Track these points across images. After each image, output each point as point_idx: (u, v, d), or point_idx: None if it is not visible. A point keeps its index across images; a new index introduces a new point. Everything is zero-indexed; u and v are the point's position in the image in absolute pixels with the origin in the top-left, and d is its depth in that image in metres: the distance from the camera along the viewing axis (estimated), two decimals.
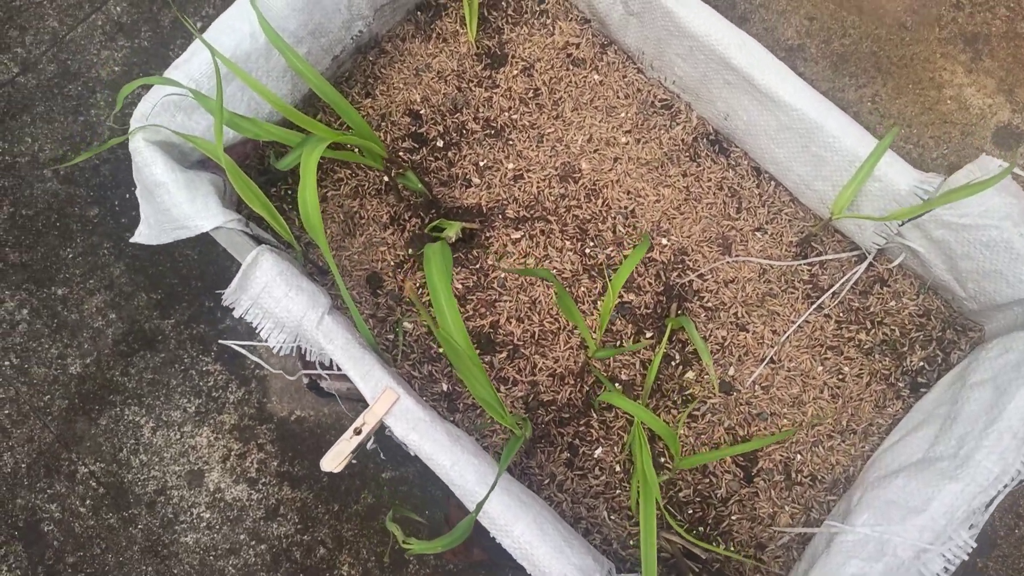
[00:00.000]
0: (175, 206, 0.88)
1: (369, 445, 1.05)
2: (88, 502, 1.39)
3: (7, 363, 1.46)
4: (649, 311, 1.04)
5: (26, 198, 1.54)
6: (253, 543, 1.36)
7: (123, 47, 1.61)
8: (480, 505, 0.75)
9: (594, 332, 0.96)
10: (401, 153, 1.11)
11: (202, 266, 1.47)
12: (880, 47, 1.56)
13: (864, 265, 1.01)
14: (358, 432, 0.86)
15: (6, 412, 1.44)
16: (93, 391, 1.44)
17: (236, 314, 0.92)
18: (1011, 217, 0.83)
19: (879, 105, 1.53)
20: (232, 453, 1.40)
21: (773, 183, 1.08)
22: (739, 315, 1.04)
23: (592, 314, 1.04)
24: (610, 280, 1.04)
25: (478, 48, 1.15)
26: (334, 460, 0.85)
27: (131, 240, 1.01)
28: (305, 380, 1.15)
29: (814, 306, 1.02)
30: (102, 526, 1.38)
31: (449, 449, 0.85)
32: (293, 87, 1.01)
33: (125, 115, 1.56)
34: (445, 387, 1.02)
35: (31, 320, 1.48)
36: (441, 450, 0.85)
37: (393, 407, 0.86)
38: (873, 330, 1.01)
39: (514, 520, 0.83)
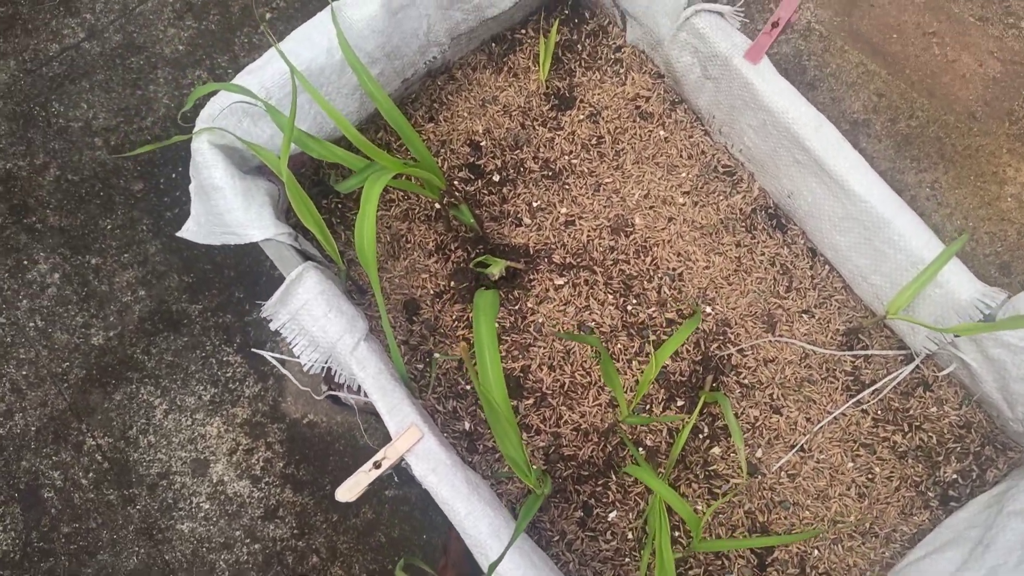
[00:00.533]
0: (229, 212, 0.87)
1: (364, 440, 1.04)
2: (91, 475, 1.39)
3: (32, 324, 1.46)
4: (684, 379, 1.03)
5: (74, 163, 1.55)
6: (248, 541, 1.35)
7: (190, 27, 1.62)
8: (493, 567, 0.73)
9: (629, 397, 0.94)
10: (456, 182, 1.10)
11: (237, 256, 1.46)
12: (947, 134, 1.54)
13: (911, 367, 0.99)
14: (377, 466, 0.85)
15: (24, 373, 1.44)
16: (112, 365, 1.44)
17: (273, 326, 0.91)
18: None
19: (937, 192, 1.51)
20: (240, 447, 1.40)
21: (828, 267, 1.06)
22: (775, 397, 1.02)
23: (626, 373, 1.02)
24: (652, 346, 1.02)
25: (547, 87, 1.14)
26: (351, 491, 0.84)
27: (178, 234, 1.00)
28: (325, 387, 1.14)
29: (853, 400, 1.00)
30: (101, 501, 1.37)
31: (466, 498, 0.84)
32: (360, 106, 1.00)
33: (181, 100, 1.56)
34: (467, 426, 1.01)
35: (61, 285, 1.48)
36: (458, 497, 0.83)
37: (416, 446, 0.85)
38: (910, 433, 0.99)
39: None
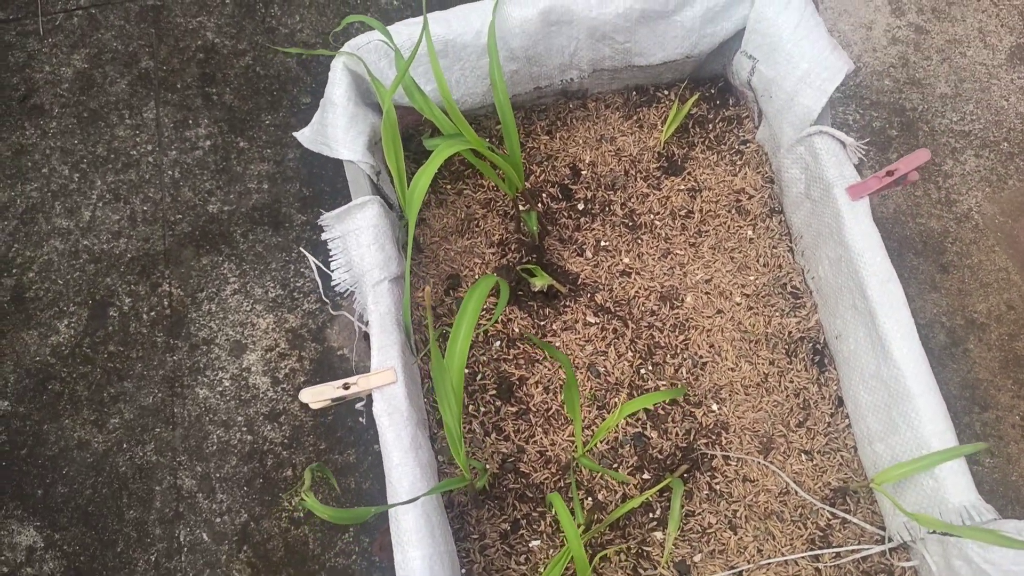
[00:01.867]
0: (333, 126, 0.98)
1: (359, 407, 1.11)
2: (152, 313, 1.55)
3: (170, 173, 1.65)
4: (661, 457, 1.03)
5: (266, 60, 1.74)
6: (244, 429, 1.46)
7: None
8: (387, 512, 0.78)
9: (586, 439, 0.96)
10: (544, 195, 1.16)
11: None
12: None
13: (878, 549, 0.95)
14: (346, 387, 0.92)
15: (144, 208, 1.62)
16: (213, 233, 1.59)
17: (323, 236, 1.01)
18: None
19: None
20: (277, 348, 1.51)
21: (846, 423, 1.04)
22: (737, 515, 1.00)
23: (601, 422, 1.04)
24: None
25: (664, 149, 1.18)
26: (313, 396, 0.92)
27: (294, 134, 1.13)
28: (361, 329, 1.23)
29: (812, 554, 0.97)
30: (149, 339, 1.53)
31: (405, 451, 0.89)
32: (486, 92, 1.08)
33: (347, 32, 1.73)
34: None
35: (207, 152, 1.67)
36: (398, 447, 0.89)
37: (385, 386, 0.91)
38: None
39: (417, 543, 0.85)
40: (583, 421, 1.05)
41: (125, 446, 1.46)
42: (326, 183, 1.62)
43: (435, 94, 1.06)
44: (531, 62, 1.07)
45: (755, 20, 1.04)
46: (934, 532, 0.86)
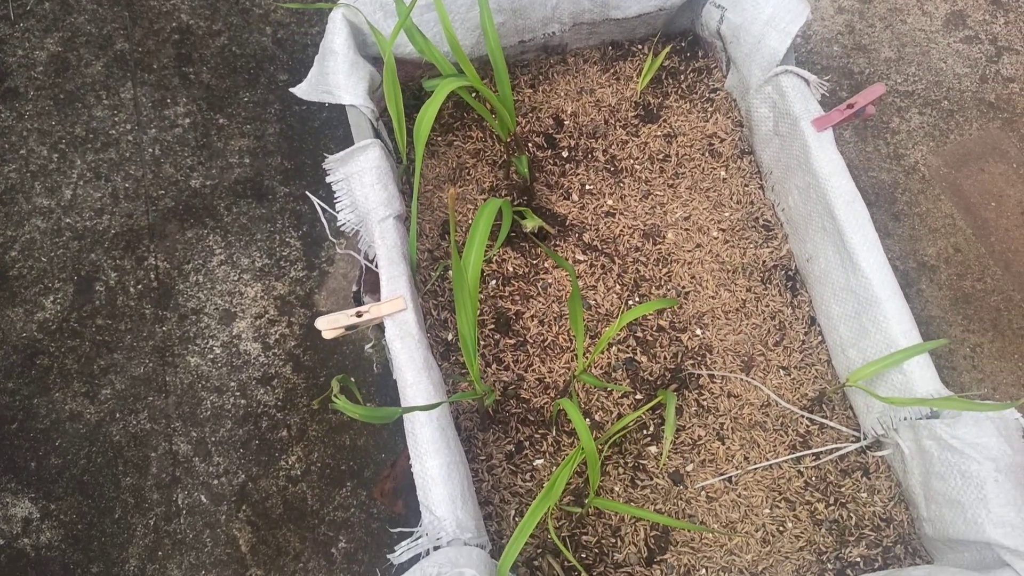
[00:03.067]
0: (333, 73, 1.03)
1: (368, 347, 1.16)
2: (139, 287, 1.57)
3: (151, 150, 1.68)
4: (651, 379, 1.10)
5: (242, 39, 1.78)
6: (237, 394, 1.49)
7: None
8: (408, 420, 0.83)
9: (587, 354, 1.03)
10: (530, 144, 1.23)
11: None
12: (1007, 308, 1.56)
13: (854, 447, 1.04)
14: (359, 315, 0.97)
15: (126, 185, 1.65)
16: (197, 207, 1.62)
17: (328, 179, 1.06)
18: (996, 461, 0.84)
19: (976, 357, 1.53)
20: (266, 315, 1.54)
21: (819, 339, 1.12)
22: (724, 427, 1.08)
23: (602, 349, 1.11)
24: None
25: (640, 99, 1.26)
26: (328, 324, 0.96)
27: (290, 89, 1.17)
28: (354, 289, 1.27)
29: (793, 456, 1.05)
30: (137, 311, 1.55)
31: (418, 371, 0.94)
32: (476, 43, 1.15)
33: None
34: (450, 337, 1.12)
35: (187, 129, 1.69)
36: (411, 367, 0.94)
37: (397, 313, 0.97)
38: (833, 507, 1.03)
39: (434, 453, 0.90)
40: (576, 351, 1.11)
41: (118, 415, 1.48)
42: (307, 155, 1.66)
43: (425, 46, 1.12)
44: (516, 14, 1.14)
45: None
46: (906, 419, 0.95)
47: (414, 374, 0.94)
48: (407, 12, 0.93)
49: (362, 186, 1.02)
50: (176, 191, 1.64)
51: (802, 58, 1.77)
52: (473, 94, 0.98)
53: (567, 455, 1.04)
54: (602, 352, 1.10)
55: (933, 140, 1.72)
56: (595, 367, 1.11)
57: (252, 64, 1.76)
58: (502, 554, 0.83)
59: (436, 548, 0.84)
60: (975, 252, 1.63)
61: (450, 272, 1.15)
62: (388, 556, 0.85)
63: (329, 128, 1.68)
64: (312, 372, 1.51)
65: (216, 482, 1.44)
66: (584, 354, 0.98)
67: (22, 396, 1.49)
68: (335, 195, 1.05)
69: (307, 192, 1.52)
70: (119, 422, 1.48)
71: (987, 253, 1.62)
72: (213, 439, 1.48)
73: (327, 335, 0.98)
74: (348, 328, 0.98)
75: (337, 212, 1.05)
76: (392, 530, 1.35)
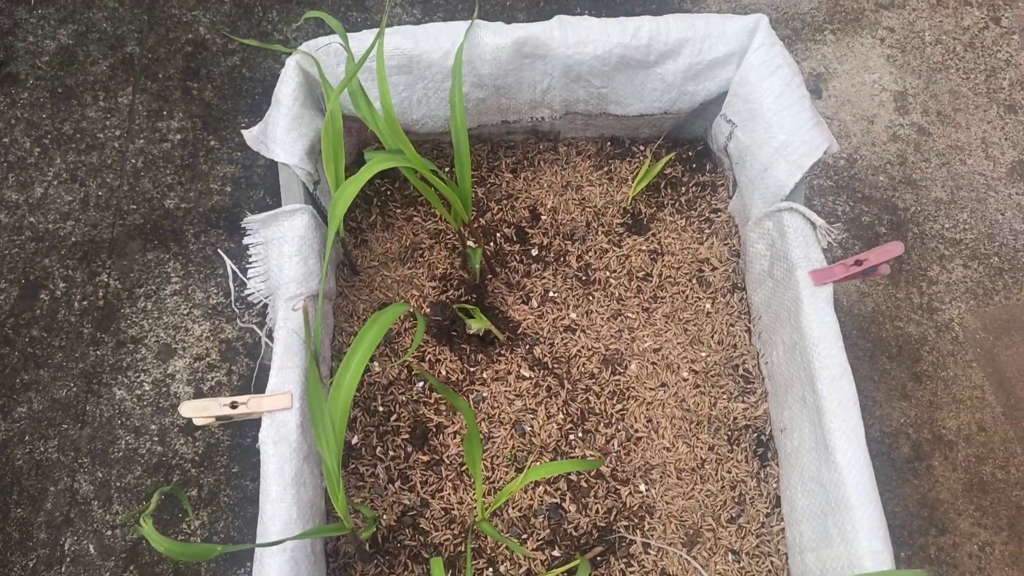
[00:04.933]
0: (274, 125, 0.91)
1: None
2: (84, 303, 1.46)
3: (134, 161, 1.59)
4: (576, 535, 0.94)
5: (253, 63, 1.69)
6: (156, 439, 1.37)
7: None
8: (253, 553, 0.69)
9: (488, 503, 0.87)
10: (498, 235, 1.09)
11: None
12: None
13: None
14: (234, 407, 0.83)
15: (99, 194, 1.56)
16: (164, 229, 1.52)
17: (245, 241, 0.93)
18: None
19: (984, 557, 1.32)
20: (207, 358, 1.42)
21: (781, 525, 0.94)
22: None
23: (521, 490, 0.95)
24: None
25: (631, 205, 1.11)
26: (196, 411, 0.83)
27: (242, 130, 1.06)
28: (268, 346, 1.14)
29: None
30: (75, 329, 1.44)
31: (285, 486, 0.80)
32: (448, 118, 1.02)
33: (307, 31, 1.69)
34: (355, 440, 0.97)
35: (176, 145, 1.60)
36: (277, 480, 0.80)
37: (278, 411, 0.83)
38: None
39: None
40: (496, 482, 0.96)
41: (27, 438, 1.37)
42: None
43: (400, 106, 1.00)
44: (500, 92, 1.01)
45: (738, 83, 0.98)
46: None
47: (279, 489, 0.79)
48: (354, 72, 0.81)
49: (280, 255, 0.89)
50: (148, 208, 1.55)
51: (843, 182, 1.60)
52: (424, 178, 0.85)
53: None
54: (487, 486, 0.94)
55: (975, 298, 1.53)
56: (514, 507, 0.95)
57: (259, 90, 1.67)
58: None
59: None
60: (1002, 435, 1.42)
61: (374, 366, 1.01)
62: None
63: None
64: (240, 430, 1.37)
65: (109, 533, 1.31)
66: (486, 498, 0.83)
67: None
68: (249, 259, 0.93)
69: (219, 250, 1.39)
70: (27, 446, 1.36)
71: (1016, 439, 1.42)
72: (118, 484, 1.35)
73: (196, 422, 0.85)
74: (220, 419, 0.84)
75: (248, 279, 0.92)
76: None
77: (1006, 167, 1.65)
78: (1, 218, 1.53)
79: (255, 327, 1.03)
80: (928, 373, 1.47)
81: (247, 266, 0.93)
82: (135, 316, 1.45)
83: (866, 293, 1.52)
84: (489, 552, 0.93)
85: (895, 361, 1.47)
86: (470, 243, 0.99)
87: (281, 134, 0.90)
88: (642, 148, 1.15)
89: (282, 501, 0.79)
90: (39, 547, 1.30)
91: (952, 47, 1.78)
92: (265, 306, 0.93)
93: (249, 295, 0.94)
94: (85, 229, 1.53)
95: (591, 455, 0.98)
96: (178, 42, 1.74)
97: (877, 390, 1.44)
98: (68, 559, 1.29)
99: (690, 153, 1.14)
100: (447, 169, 1.12)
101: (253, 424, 1.35)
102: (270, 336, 0.93)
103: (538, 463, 0.97)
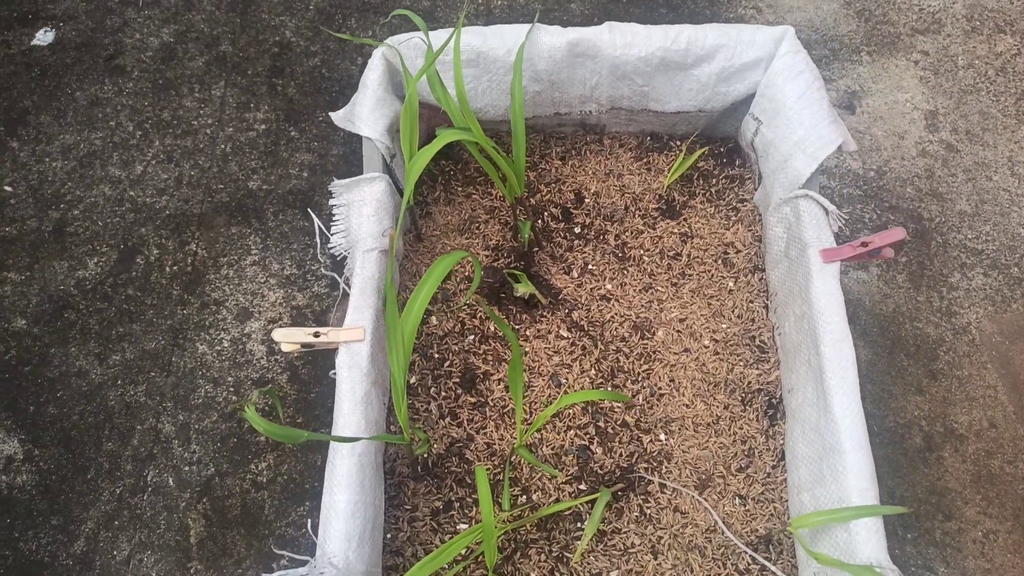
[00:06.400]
0: (360, 105, 1.08)
1: (331, 373, 1.17)
2: (175, 268, 1.65)
3: (223, 147, 1.78)
4: (601, 472, 1.07)
5: (332, 64, 1.88)
6: (231, 390, 1.53)
7: None
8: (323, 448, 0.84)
9: (527, 427, 1.01)
10: (546, 214, 1.24)
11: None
12: None
13: None
14: (316, 336, 0.98)
15: (191, 174, 1.74)
16: (247, 207, 1.70)
17: (331, 202, 1.10)
18: None
19: (988, 543, 1.41)
20: (279, 322, 1.59)
21: (783, 477, 1.06)
22: (661, 541, 1.03)
23: (556, 431, 1.08)
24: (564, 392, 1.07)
25: (666, 193, 1.25)
26: (286, 336, 0.98)
27: (330, 113, 1.23)
28: (345, 291, 1.29)
29: None
30: (166, 290, 1.62)
31: (356, 402, 0.95)
32: (508, 109, 1.17)
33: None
34: (412, 380, 1.12)
35: (260, 134, 1.79)
36: (350, 398, 0.95)
37: (353, 342, 0.98)
38: None
39: (346, 487, 0.90)
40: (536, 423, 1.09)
41: (120, 383, 1.55)
42: None
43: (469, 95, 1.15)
44: (554, 87, 1.16)
45: (765, 85, 1.12)
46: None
47: (351, 405, 0.94)
48: (432, 60, 0.96)
49: (359, 216, 1.05)
50: (234, 188, 1.73)
51: (871, 192, 1.71)
52: (486, 153, 1.00)
53: (501, 527, 1.01)
54: (544, 429, 1.08)
55: (993, 305, 1.62)
56: (547, 446, 1.08)
57: (336, 88, 1.85)
58: None
59: None
60: (1012, 432, 1.51)
61: (431, 317, 1.16)
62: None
63: None
64: (306, 385, 1.53)
65: (187, 468, 1.47)
66: (524, 425, 0.96)
67: (42, 343, 1.58)
68: (333, 218, 1.09)
69: (308, 210, 1.57)
70: (119, 389, 1.54)
71: None
72: (197, 427, 1.52)
73: (284, 348, 1.00)
74: (304, 346, 1.00)
75: (331, 235, 1.08)
76: (277, 551, 1.35)
77: None
78: (105, 191, 1.73)
79: (335, 275, 1.18)
80: (943, 371, 1.56)
81: (331, 224, 1.09)
82: (218, 282, 1.63)
83: (888, 295, 1.62)
84: (524, 482, 1.06)
85: (912, 359, 1.57)
86: (521, 216, 1.14)
87: (366, 113, 1.06)
88: (678, 143, 1.28)
89: (352, 415, 0.94)
90: (125, 477, 1.47)
91: (984, 71, 1.87)
92: (344, 259, 1.08)
93: (332, 248, 1.09)
94: (178, 204, 1.72)
95: (617, 407, 1.11)
96: (266, 43, 1.93)
97: (894, 384, 1.54)
98: (150, 488, 1.46)
99: (721, 149, 1.28)
100: (507, 152, 1.27)
101: (318, 380, 1.51)
102: (347, 283, 1.09)
103: (570, 411, 1.10)
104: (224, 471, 1.47)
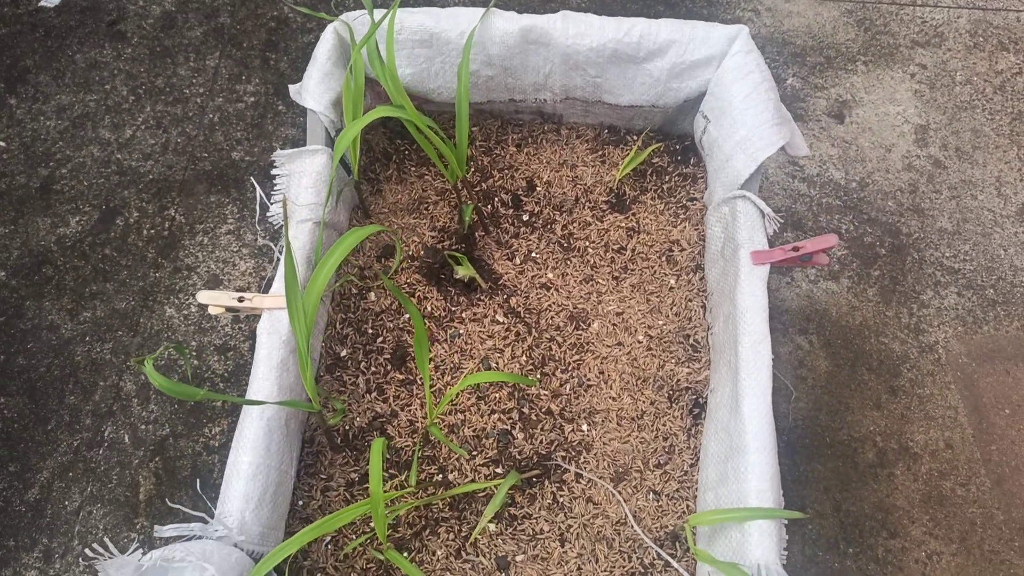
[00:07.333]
0: (308, 78, 1.09)
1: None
2: (152, 231, 1.68)
3: (209, 117, 1.81)
4: (521, 458, 1.07)
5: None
6: (194, 353, 1.56)
7: None
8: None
9: (437, 405, 1.02)
10: (496, 199, 1.24)
11: None
12: (983, 525, 1.43)
13: None
14: (240, 300, 1.00)
15: (177, 141, 1.78)
16: (229, 177, 1.73)
17: (273, 171, 1.11)
18: None
19: (931, 564, 1.39)
20: (247, 291, 1.61)
21: (698, 475, 1.06)
22: (570, 529, 1.03)
23: (480, 417, 1.09)
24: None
25: (617, 187, 1.25)
26: (211, 299, 1.00)
27: (288, 85, 1.25)
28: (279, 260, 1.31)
29: None
30: (142, 252, 1.66)
31: (271, 368, 0.96)
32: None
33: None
34: (343, 353, 1.13)
35: (248, 106, 1.82)
36: (266, 363, 0.96)
37: (275, 310, 0.99)
38: None
39: (251, 450, 0.92)
40: (460, 405, 1.10)
41: (88, 339, 1.58)
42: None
43: (412, 79, 1.16)
44: (507, 72, 1.16)
45: (715, 83, 1.11)
46: None
47: (266, 370, 0.96)
48: (371, 32, 0.98)
49: (298, 187, 1.07)
50: (217, 157, 1.76)
51: (851, 203, 1.69)
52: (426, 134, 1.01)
53: (406, 503, 1.02)
54: (468, 411, 1.08)
55: (963, 325, 1.59)
56: (469, 428, 1.09)
57: None
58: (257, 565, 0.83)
59: (199, 538, 0.85)
60: (968, 455, 1.48)
61: (371, 293, 1.17)
62: (156, 528, 0.86)
63: None
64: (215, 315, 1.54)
65: (143, 427, 1.51)
66: (436, 404, 0.97)
67: (19, 296, 1.63)
68: (274, 187, 1.10)
69: (251, 179, 1.59)
70: (86, 345, 1.58)
71: (982, 460, 1.48)
72: (156, 388, 1.55)
73: (211, 311, 1.03)
74: (229, 309, 1.02)
75: (271, 204, 1.10)
76: (172, 504, 1.37)
77: (1017, 206, 1.70)
78: (94, 152, 1.77)
79: (271, 243, 1.20)
80: (905, 388, 1.54)
81: (272, 193, 1.11)
82: (193, 248, 1.66)
83: (856, 307, 1.60)
84: (441, 461, 1.07)
85: (874, 373, 1.55)
86: (466, 199, 1.15)
87: (313, 85, 1.08)
88: (635, 138, 1.28)
89: (266, 380, 0.96)
90: (84, 431, 1.51)
91: (982, 88, 1.84)
92: (281, 228, 1.10)
93: (270, 217, 1.11)
94: (162, 169, 1.75)
95: (544, 394, 1.11)
96: (264, 17, 1.96)
97: (852, 397, 1.52)
98: (106, 444, 1.50)
99: (677, 147, 1.27)
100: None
101: None
102: (281, 252, 1.10)
103: (497, 395, 1.11)
104: (179, 432, 1.50)
